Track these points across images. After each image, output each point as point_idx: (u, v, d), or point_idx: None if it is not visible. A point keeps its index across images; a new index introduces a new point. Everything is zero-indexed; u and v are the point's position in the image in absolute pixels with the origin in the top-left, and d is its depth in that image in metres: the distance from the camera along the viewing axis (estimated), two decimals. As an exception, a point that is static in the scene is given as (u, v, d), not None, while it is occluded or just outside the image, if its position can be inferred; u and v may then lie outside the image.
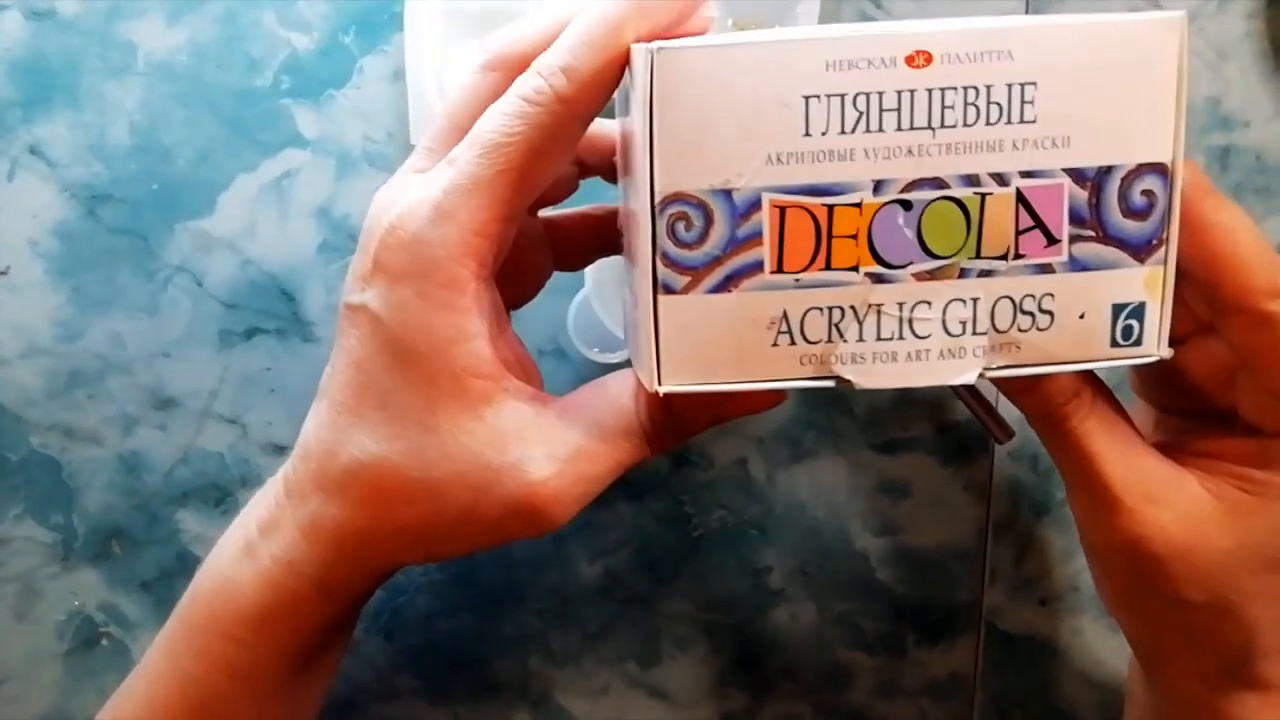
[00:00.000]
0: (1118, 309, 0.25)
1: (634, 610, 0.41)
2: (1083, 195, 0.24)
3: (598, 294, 0.37)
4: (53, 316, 0.40)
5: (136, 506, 0.40)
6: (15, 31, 0.39)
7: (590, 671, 0.42)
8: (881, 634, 0.42)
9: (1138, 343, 0.25)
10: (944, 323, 0.25)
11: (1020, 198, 0.24)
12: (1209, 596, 0.28)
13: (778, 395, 0.28)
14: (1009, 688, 0.42)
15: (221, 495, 0.40)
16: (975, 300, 0.25)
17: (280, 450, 0.40)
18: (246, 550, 0.29)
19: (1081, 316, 0.25)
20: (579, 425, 0.27)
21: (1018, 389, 0.28)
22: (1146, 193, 0.25)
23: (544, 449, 0.27)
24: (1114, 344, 0.25)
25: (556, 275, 0.35)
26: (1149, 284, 0.25)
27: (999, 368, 0.25)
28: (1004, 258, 0.25)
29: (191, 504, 0.40)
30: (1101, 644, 0.41)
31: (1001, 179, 0.24)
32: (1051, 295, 0.25)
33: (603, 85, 0.25)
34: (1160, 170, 0.24)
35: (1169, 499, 0.27)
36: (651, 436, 0.28)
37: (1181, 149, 0.24)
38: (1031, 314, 0.25)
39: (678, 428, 0.28)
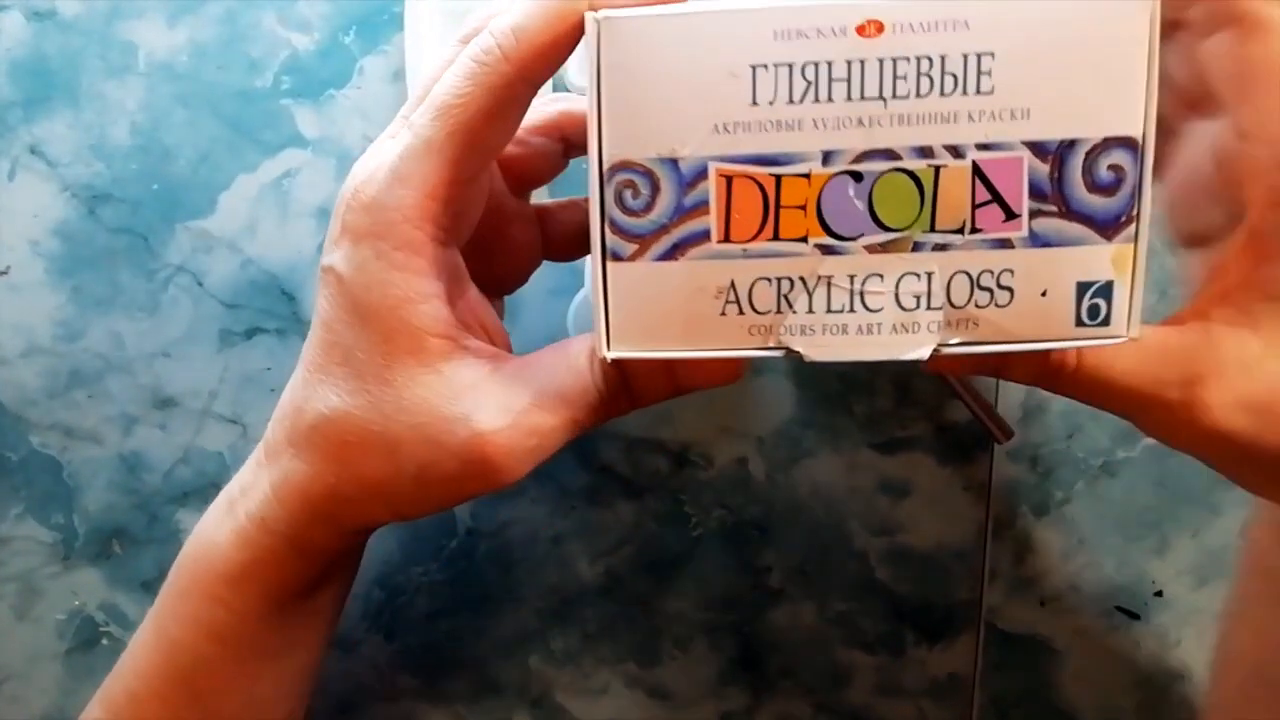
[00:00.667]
0: (1083, 287, 0.24)
1: (634, 610, 0.41)
2: (1044, 169, 0.24)
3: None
4: (53, 316, 0.40)
5: (137, 506, 0.40)
6: (16, 32, 0.39)
7: (590, 671, 0.42)
8: (881, 633, 0.42)
9: (1105, 322, 0.24)
10: (897, 296, 0.24)
11: (976, 170, 0.24)
12: None
13: (732, 367, 0.28)
14: (1008, 687, 0.42)
15: (222, 495, 0.40)
16: (930, 274, 0.24)
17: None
18: (228, 510, 0.30)
19: (1044, 294, 0.24)
20: (534, 382, 0.28)
21: (995, 366, 0.27)
22: (1114, 167, 0.24)
23: (496, 401, 0.27)
24: (1079, 323, 0.24)
25: (558, 276, 0.35)
26: (1117, 262, 0.24)
27: (955, 344, 0.24)
28: (960, 231, 0.24)
29: (192, 504, 0.40)
30: (1101, 644, 0.41)
31: (956, 151, 0.24)
32: (1011, 271, 0.24)
33: (553, 48, 0.25)
34: (1130, 144, 0.24)
35: (1211, 371, 0.25)
36: (606, 400, 0.28)
37: (1153, 124, 0.24)
38: (990, 290, 0.24)
39: (632, 395, 0.28)
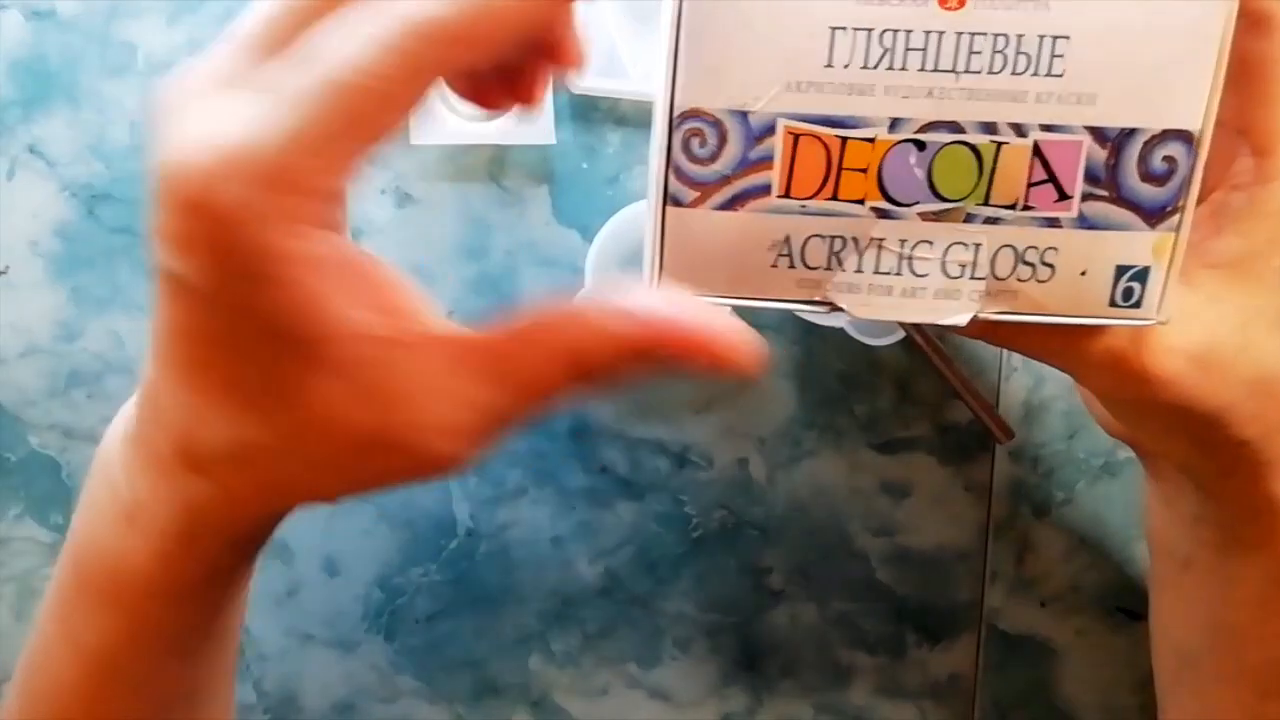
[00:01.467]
0: (1121, 270, 0.25)
1: (634, 611, 0.41)
2: (1101, 155, 0.24)
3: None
4: (52, 316, 0.40)
5: (136, 506, 0.40)
6: (15, 31, 0.38)
7: (590, 672, 0.42)
8: (882, 634, 0.41)
9: (1137, 305, 0.25)
10: (943, 264, 0.25)
11: (1037, 151, 0.24)
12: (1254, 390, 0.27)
13: (753, 356, 0.25)
14: (1009, 688, 0.42)
15: (221, 495, 0.40)
16: (978, 245, 0.25)
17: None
18: (130, 521, 0.27)
19: (1083, 274, 0.25)
20: (491, 383, 0.24)
21: (1006, 336, 0.28)
22: (1168, 159, 0.24)
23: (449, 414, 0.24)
24: (1113, 304, 0.25)
25: (560, 274, 0.34)
26: (1157, 249, 0.25)
27: (993, 313, 0.25)
28: (1012, 207, 0.25)
29: (191, 504, 0.40)
30: (1102, 644, 0.41)
31: (1020, 130, 0.24)
32: (1055, 249, 0.25)
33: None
34: (1186, 138, 0.24)
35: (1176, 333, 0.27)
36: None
37: (1212, 120, 0.24)
38: (1033, 265, 0.25)
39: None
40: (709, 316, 0.23)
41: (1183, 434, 0.29)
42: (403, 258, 0.39)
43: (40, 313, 0.39)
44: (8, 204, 0.39)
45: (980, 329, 0.27)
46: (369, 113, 0.21)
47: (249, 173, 0.20)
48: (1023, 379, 0.40)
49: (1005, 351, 0.40)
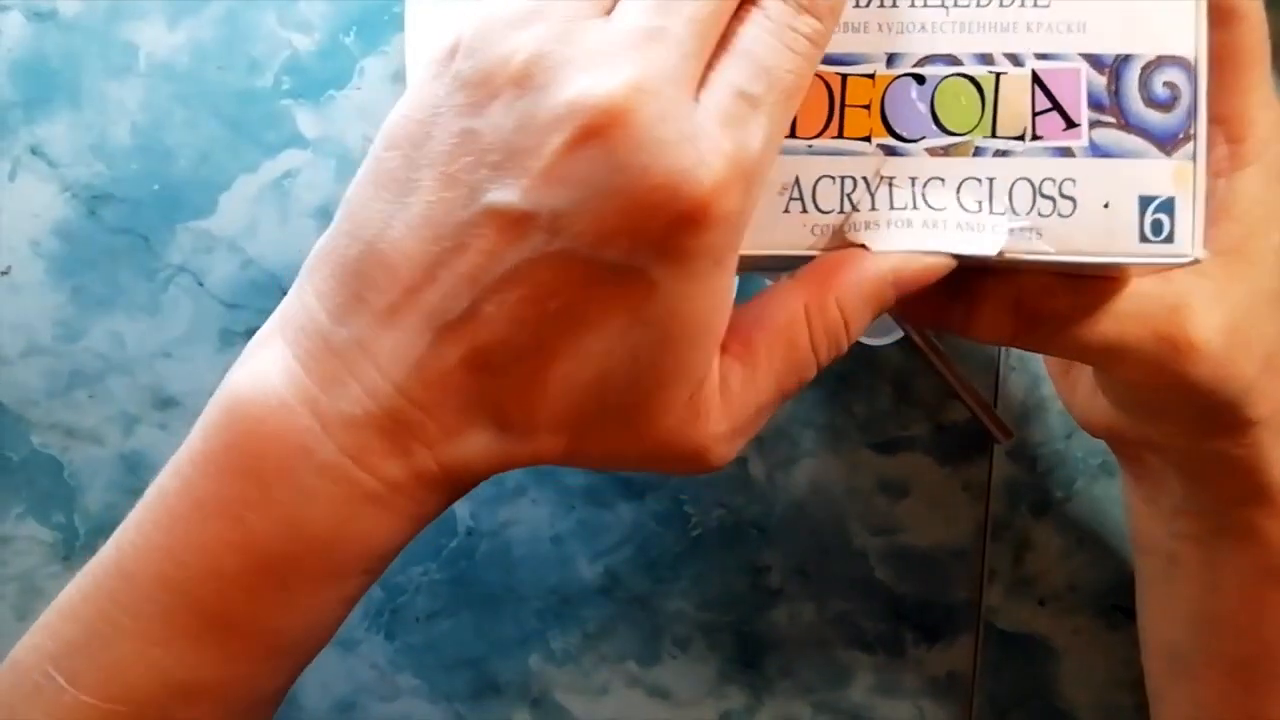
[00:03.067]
0: (1145, 201, 0.25)
1: (634, 610, 0.41)
2: (1101, 81, 0.24)
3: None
4: (54, 316, 0.40)
5: (137, 506, 0.40)
6: (16, 32, 0.39)
7: (590, 671, 0.42)
8: (880, 633, 0.42)
9: (1169, 240, 0.25)
10: (959, 200, 0.25)
11: (1036, 79, 0.24)
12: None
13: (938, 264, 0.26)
14: (1007, 687, 0.42)
15: (222, 494, 0.40)
16: (991, 180, 0.25)
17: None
18: (376, 503, 0.25)
19: (1106, 206, 0.25)
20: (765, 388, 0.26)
21: (1043, 337, 0.28)
22: (1169, 84, 0.24)
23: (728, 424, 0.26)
24: (1143, 239, 0.25)
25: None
26: (1178, 179, 0.25)
27: (1022, 253, 0.25)
28: (1021, 139, 0.25)
29: (192, 503, 0.40)
30: (1100, 643, 0.41)
31: (1016, 59, 0.24)
32: (1073, 181, 0.25)
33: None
34: (1183, 64, 0.24)
35: (1185, 304, 0.27)
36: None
37: (1204, 46, 0.24)
38: (1052, 199, 0.25)
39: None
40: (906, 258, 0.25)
41: (1189, 419, 0.29)
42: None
43: (42, 313, 0.40)
44: (9, 204, 0.39)
45: (1013, 331, 0.27)
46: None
47: (743, 185, 0.23)
48: (1020, 378, 0.40)
49: (1003, 350, 0.40)
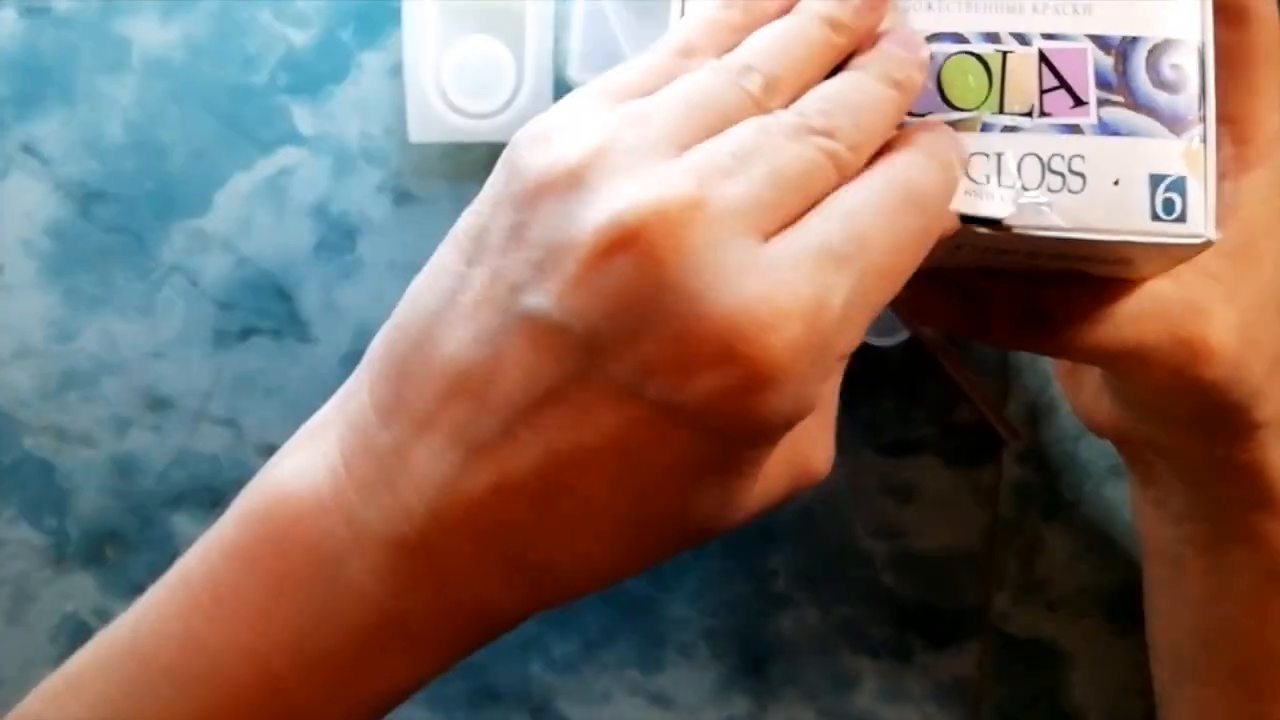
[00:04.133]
0: (1156, 179, 0.25)
1: (636, 616, 0.41)
2: (1108, 61, 0.25)
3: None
4: (45, 316, 0.39)
5: (130, 509, 0.40)
6: (9, 27, 0.38)
7: (591, 678, 0.41)
8: (887, 639, 0.41)
9: (1181, 219, 0.24)
10: (967, 173, 0.25)
11: (1043, 58, 0.25)
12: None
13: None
14: (1016, 693, 0.42)
15: (216, 498, 0.40)
16: (1000, 155, 0.25)
17: (275, 452, 0.40)
18: (397, 631, 0.24)
19: (1116, 183, 0.25)
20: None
21: (1062, 342, 0.28)
22: (1176, 67, 0.25)
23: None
24: (1155, 218, 0.25)
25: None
26: (1189, 160, 0.25)
27: (1034, 228, 0.25)
28: (1029, 115, 0.25)
29: (185, 507, 0.40)
30: (1111, 648, 0.41)
31: (1023, 39, 0.25)
32: (1082, 157, 0.25)
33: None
34: (1189, 47, 0.25)
35: (1204, 306, 0.27)
36: None
37: (1210, 33, 0.25)
38: (1061, 174, 0.25)
39: None
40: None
41: (1196, 422, 0.29)
42: (401, 257, 0.39)
43: (33, 313, 0.39)
44: (1, 203, 0.39)
45: (1027, 335, 0.27)
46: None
47: (817, 345, 0.21)
48: (1029, 380, 0.40)
49: (1012, 353, 0.40)
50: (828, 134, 0.22)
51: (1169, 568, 0.34)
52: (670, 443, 0.21)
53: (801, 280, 0.20)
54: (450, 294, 0.23)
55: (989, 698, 0.42)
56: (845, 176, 0.22)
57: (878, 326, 0.38)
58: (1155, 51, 0.25)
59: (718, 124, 0.22)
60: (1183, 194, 0.25)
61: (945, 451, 0.40)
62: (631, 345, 0.20)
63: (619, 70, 0.23)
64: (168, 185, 0.39)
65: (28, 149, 0.39)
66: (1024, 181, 0.25)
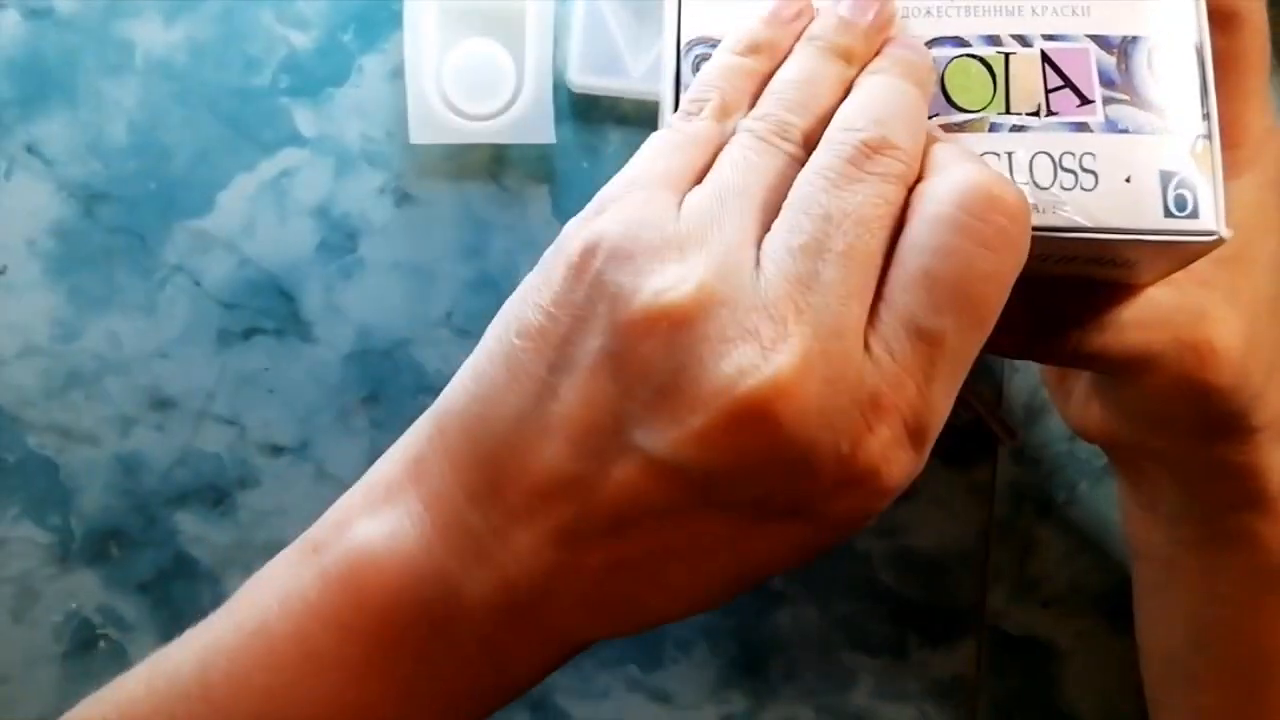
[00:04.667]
0: (1166, 176, 0.25)
1: (634, 612, 0.41)
2: (1111, 60, 0.25)
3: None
4: (50, 316, 0.39)
5: (134, 508, 0.40)
6: (12, 30, 0.38)
7: (591, 674, 0.42)
8: (883, 636, 0.41)
9: (1194, 215, 0.24)
10: None
11: (1046, 58, 0.25)
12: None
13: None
14: (1011, 690, 0.42)
15: (219, 496, 0.40)
16: (1010, 154, 0.25)
17: (278, 451, 0.40)
18: (498, 679, 0.25)
19: (1128, 180, 0.24)
20: None
21: (1073, 349, 0.28)
22: (1177, 66, 0.25)
23: None
24: (1168, 214, 0.24)
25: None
26: (1196, 156, 0.25)
27: (1049, 226, 0.24)
28: (1036, 114, 0.25)
29: (189, 505, 0.40)
30: (1104, 646, 0.41)
31: (1024, 40, 0.25)
32: (1092, 155, 0.25)
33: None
34: (1189, 46, 0.25)
35: (1206, 311, 0.27)
36: None
37: (1206, 32, 0.25)
38: (1073, 172, 0.25)
39: None
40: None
41: (1194, 426, 0.29)
42: (402, 257, 0.39)
43: (38, 313, 0.39)
44: (5, 204, 0.39)
45: (1033, 343, 0.27)
46: None
47: (927, 445, 0.23)
48: (1024, 381, 0.40)
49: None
50: (887, 148, 0.22)
51: (1160, 570, 0.34)
52: (787, 538, 0.23)
53: (912, 392, 0.22)
54: (537, 399, 0.22)
55: (985, 694, 0.42)
56: (907, 184, 0.22)
57: None
58: (1155, 50, 0.25)
59: (776, 200, 0.22)
60: (1193, 190, 0.24)
61: (941, 450, 0.40)
62: (752, 487, 0.22)
63: (665, 147, 0.24)
64: (170, 186, 0.39)
65: (32, 150, 0.39)
66: (1037, 180, 0.25)
